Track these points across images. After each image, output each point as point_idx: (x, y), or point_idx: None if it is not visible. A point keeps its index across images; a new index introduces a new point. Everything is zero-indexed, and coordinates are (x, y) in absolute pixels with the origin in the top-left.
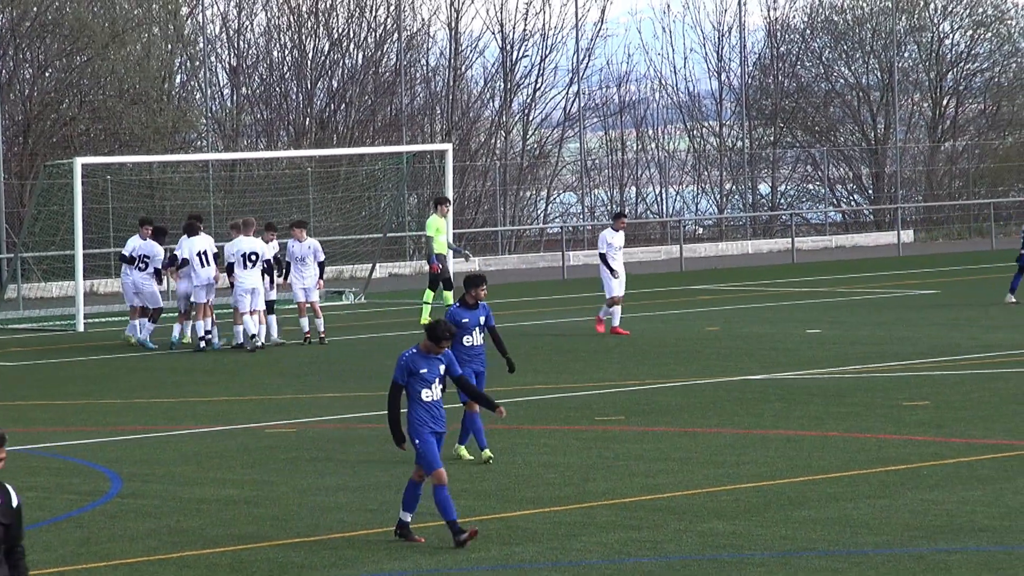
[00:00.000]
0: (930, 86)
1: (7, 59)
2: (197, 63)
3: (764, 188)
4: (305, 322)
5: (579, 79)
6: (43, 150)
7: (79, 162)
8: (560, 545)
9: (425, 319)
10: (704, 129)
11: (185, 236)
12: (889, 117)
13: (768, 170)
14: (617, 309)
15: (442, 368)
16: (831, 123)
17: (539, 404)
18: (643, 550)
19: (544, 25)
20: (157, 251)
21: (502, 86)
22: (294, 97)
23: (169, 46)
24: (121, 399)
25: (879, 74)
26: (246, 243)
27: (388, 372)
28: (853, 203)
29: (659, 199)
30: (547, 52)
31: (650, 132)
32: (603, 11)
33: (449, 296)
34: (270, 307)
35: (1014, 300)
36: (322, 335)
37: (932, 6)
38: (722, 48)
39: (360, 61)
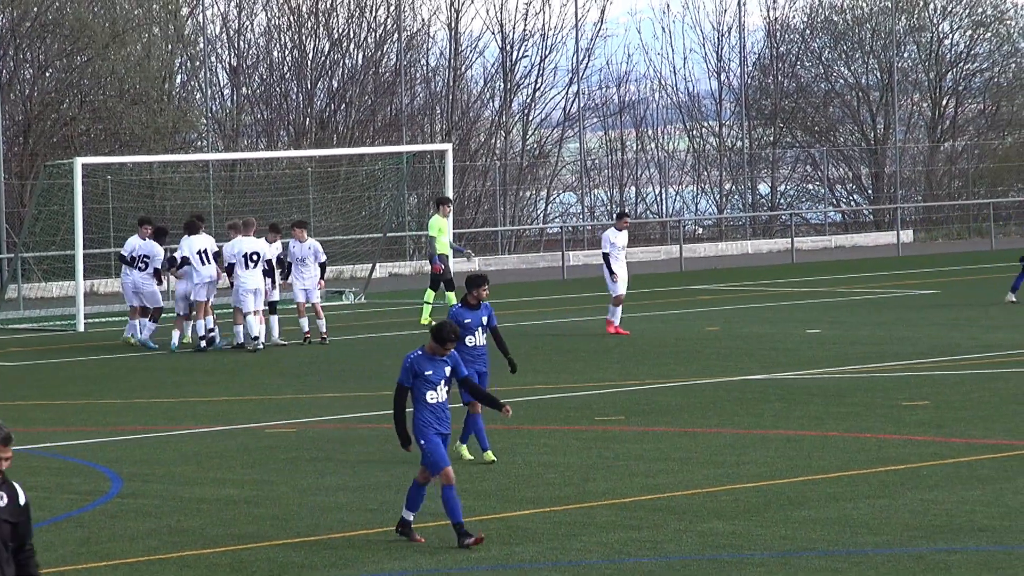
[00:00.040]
0: (930, 86)
1: (7, 59)
2: (197, 63)
3: (764, 188)
4: (304, 322)
5: (579, 79)
6: (43, 150)
7: (79, 162)
8: (560, 545)
9: (425, 319)
10: (704, 129)
11: (186, 235)
12: (889, 117)
13: (768, 170)
14: (619, 309)
15: (448, 370)
16: (831, 123)
17: (539, 404)
18: (643, 550)
19: (544, 25)
20: (157, 251)
21: (502, 86)
22: (294, 97)
23: (169, 46)
24: (121, 399)
25: (879, 74)
26: (247, 243)
27: (388, 372)
28: (853, 203)
29: (659, 199)
30: (547, 52)
31: (650, 132)
32: (603, 11)
33: (452, 296)
34: (272, 307)
35: (1014, 299)
36: (324, 335)
37: (932, 6)
38: (722, 48)
39: (360, 61)
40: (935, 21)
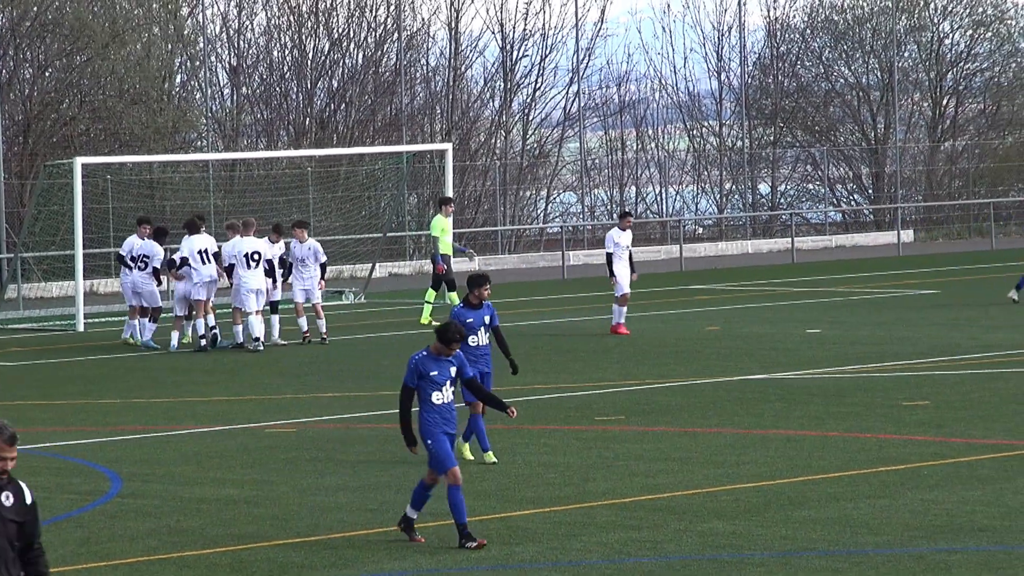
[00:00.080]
0: (930, 86)
1: (7, 59)
2: (197, 63)
3: (764, 188)
4: (303, 321)
5: (579, 79)
6: (43, 150)
7: (79, 162)
8: (560, 545)
9: (426, 319)
10: (704, 129)
11: (187, 234)
12: (889, 117)
13: (768, 170)
14: (623, 308)
15: (453, 370)
16: (831, 123)
17: (539, 404)
18: (643, 550)
19: (544, 25)
20: (157, 251)
21: (502, 86)
22: (294, 97)
23: (169, 46)
24: (121, 399)
25: (879, 74)
26: (248, 243)
27: (388, 372)
28: (853, 203)
29: (659, 199)
30: (547, 52)
31: (650, 132)
32: (603, 11)
33: (454, 297)
34: (273, 307)
35: (1015, 298)
36: (324, 335)
37: (932, 6)
38: (722, 48)
39: (360, 61)
40: (935, 21)
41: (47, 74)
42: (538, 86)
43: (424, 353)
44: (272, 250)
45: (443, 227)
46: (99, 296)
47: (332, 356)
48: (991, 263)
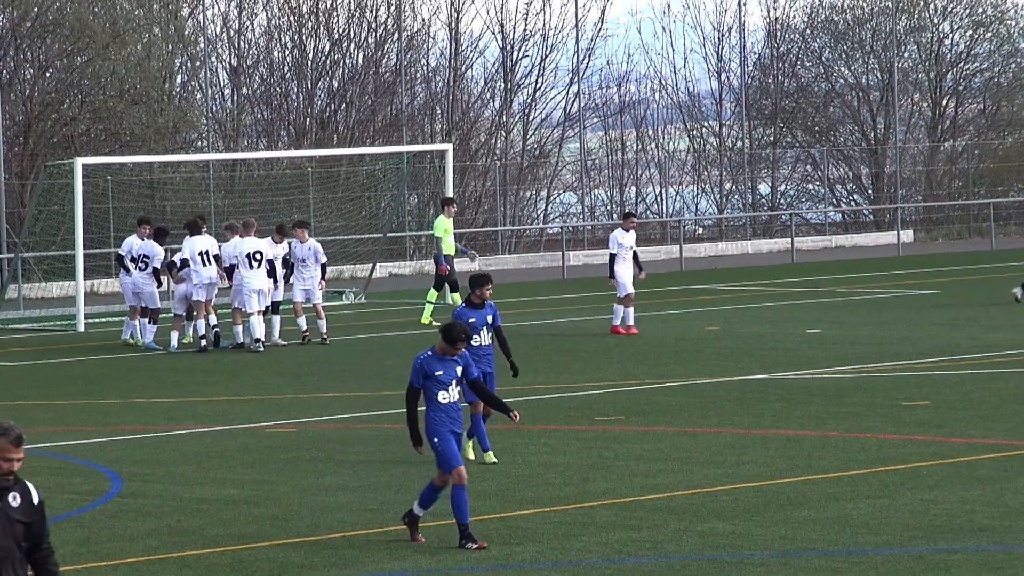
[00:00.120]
0: (930, 86)
1: (8, 59)
2: (198, 63)
3: (764, 188)
4: (302, 321)
5: (579, 79)
6: (44, 150)
7: (79, 162)
8: (560, 545)
9: (426, 318)
10: (704, 129)
11: (188, 235)
12: (889, 117)
13: (768, 170)
14: (620, 309)
15: (459, 370)
16: (831, 123)
17: (539, 404)
18: (643, 550)
19: (544, 25)
20: (157, 251)
21: (502, 86)
22: (294, 97)
23: (170, 46)
24: (121, 399)
25: (879, 74)
26: (249, 243)
27: (388, 372)
28: (853, 203)
29: (659, 199)
30: (547, 52)
31: (650, 132)
32: (603, 11)
33: (456, 297)
34: (275, 308)
35: (1019, 296)
36: (324, 335)
37: (932, 6)
38: (722, 48)
39: (360, 61)
40: (935, 21)
41: (48, 74)
42: (538, 86)
43: (429, 353)
44: (275, 250)
45: (446, 228)
46: (99, 296)
47: (332, 356)
48: (991, 263)
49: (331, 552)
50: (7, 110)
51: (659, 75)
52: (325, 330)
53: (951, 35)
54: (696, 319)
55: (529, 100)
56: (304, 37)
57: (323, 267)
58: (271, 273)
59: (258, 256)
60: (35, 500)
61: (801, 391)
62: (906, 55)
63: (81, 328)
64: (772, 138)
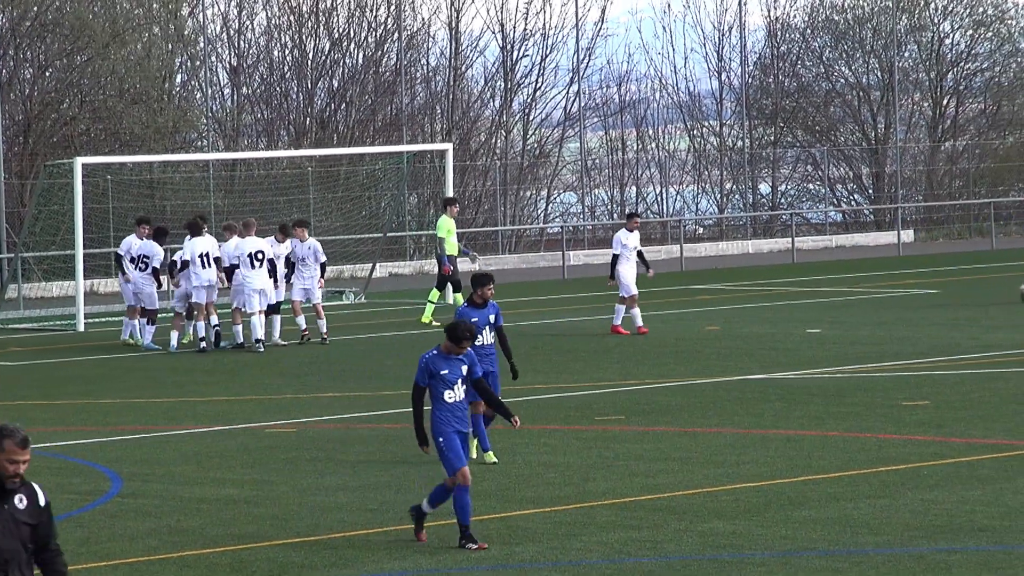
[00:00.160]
0: (930, 86)
1: (7, 59)
2: (197, 63)
3: (764, 188)
4: (302, 320)
5: (579, 79)
6: (43, 150)
7: (79, 162)
8: (560, 545)
9: (427, 318)
10: (704, 129)
11: (188, 235)
12: (889, 117)
13: (768, 170)
14: (621, 308)
15: (464, 369)
16: (831, 123)
17: (539, 404)
18: (643, 550)
19: (544, 25)
20: (157, 251)
21: (502, 86)
22: (294, 97)
23: (170, 46)
24: (121, 399)
25: (879, 74)
26: (250, 243)
27: (388, 372)
28: (853, 203)
29: (659, 199)
30: (547, 52)
31: (650, 132)
32: (603, 11)
33: (459, 297)
34: (275, 308)
35: None
36: (324, 335)
37: (932, 6)
38: (722, 48)
39: (360, 61)
40: (936, 21)
41: (47, 74)
42: (538, 86)
43: (434, 352)
44: (277, 250)
45: (449, 228)
46: (99, 296)
47: (332, 356)
48: (991, 263)
49: (331, 552)
50: (7, 110)
51: (659, 75)
52: (325, 330)
53: (952, 35)
54: (696, 319)
55: (529, 100)
56: (304, 37)
57: (323, 266)
58: (271, 273)
59: (260, 256)
60: (41, 502)
61: (801, 391)
62: (907, 55)
63: (81, 328)
64: (772, 138)
